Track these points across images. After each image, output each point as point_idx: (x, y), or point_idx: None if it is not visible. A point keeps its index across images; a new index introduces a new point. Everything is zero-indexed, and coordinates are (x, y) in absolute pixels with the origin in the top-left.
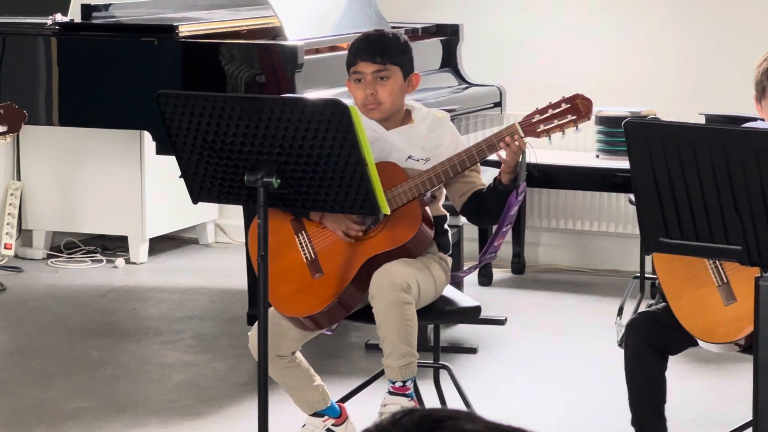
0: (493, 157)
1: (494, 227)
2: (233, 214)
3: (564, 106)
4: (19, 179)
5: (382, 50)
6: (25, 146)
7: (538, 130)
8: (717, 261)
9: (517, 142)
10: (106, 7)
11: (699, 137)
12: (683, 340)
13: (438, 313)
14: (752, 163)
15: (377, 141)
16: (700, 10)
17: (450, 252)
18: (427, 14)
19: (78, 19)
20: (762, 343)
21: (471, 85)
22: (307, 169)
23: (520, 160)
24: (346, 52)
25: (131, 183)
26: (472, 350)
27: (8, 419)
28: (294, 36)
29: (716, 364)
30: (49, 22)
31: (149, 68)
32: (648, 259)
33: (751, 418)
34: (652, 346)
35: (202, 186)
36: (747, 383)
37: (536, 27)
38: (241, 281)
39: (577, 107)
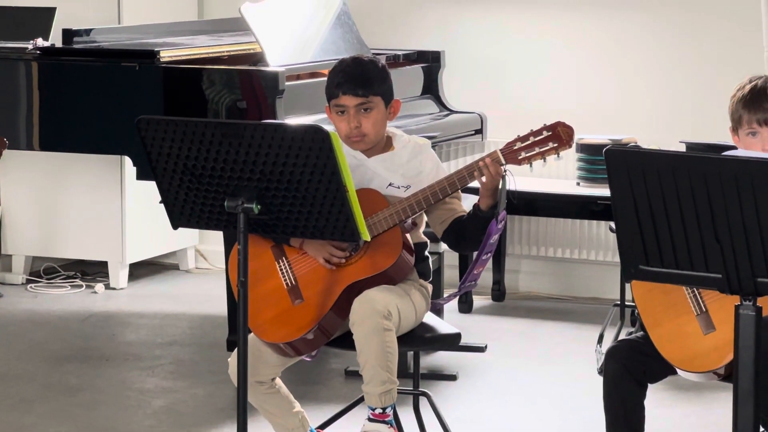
0: (474, 183)
1: (474, 255)
2: (213, 240)
3: (545, 133)
4: None
5: (363, 82)
6: (4, 170)
7: (520, 158)
8: (695, 290)
9: (494, 167)
10: (88, 32)
11: (679, 165)
12: (663, 369)
13: (418, 339)
14: (732, 190)
15: (358, 168)
16: (682, 39)
17: (430, 279)
18: (409, 41)
19: (59, 44)
20: (742, 371)
21: (452, 112)
22: (287, 195)
23: (500, 187)
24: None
25: (111, 208)
26: (452, 377)
27: None
28: (275, 62)
29: (696, 392)
30: (30, 46)
31: (130, 93)
32: (628, 286)
33: None
34: (631, 374)
35: (183, 211)
36: (726, 411)
37: (518, 55)
38: (221, 307)
39: (558, 135)
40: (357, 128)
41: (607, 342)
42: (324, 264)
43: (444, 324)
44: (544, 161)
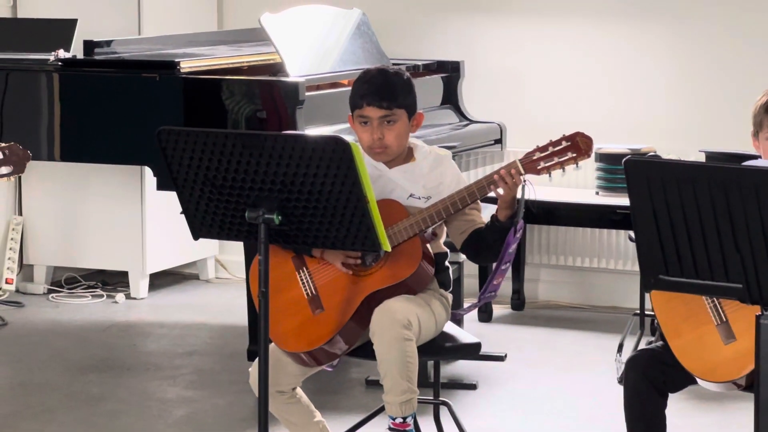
0: (493, 194)
1: (493, 265)
2: (234, 250)
3: (564, 143)
4: (20, 214)
5: (388, 94)
6: (26, 181)
7: (539, 168)
8: (716, 299)
9: (513, 178)
10: (108, 43)
11: (699, 175)
12: (683, 378)
13: (438, 349)
14: (752, 200)
15: (379, 179)
16: (702, 48)
17: (450, 289)
18: (428, 51)
19: (80, 55)
20: (763, 381)
21: (472, 122)
22: (308, 206)
23: (519, 196)
24: (347, 88)
25: (132, 218)
26: (472, 386)
27: None
28: (295, 72)
29: (717, 402)
30: (52, 58)
31: (151, 104)
32: (648, 295)
33: None
34: (651, 384)
35: (203, 222)
36: (747, 421)
37: (537, 64)
38: (241, 317)
39: (577, 145)
40: (380, 140)
41: (627, 351)
42: (341, 268)
43: (464, 333)
44: (563, 171)
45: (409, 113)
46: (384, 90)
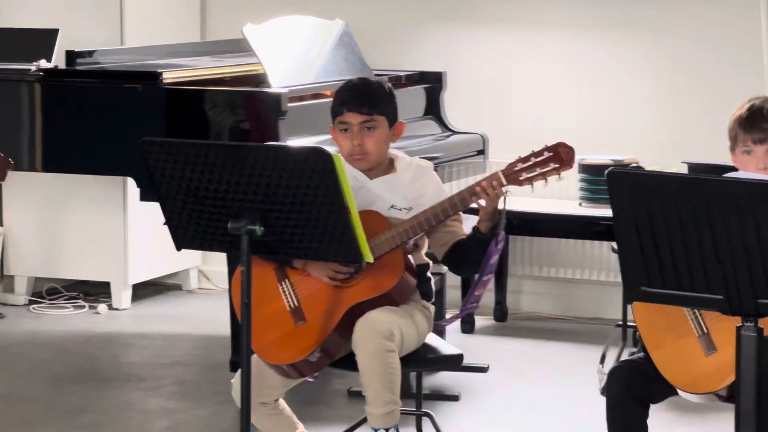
0: (475, 205)
1: (476, 276)
2: (217, 261)
3: (546, 154)
4: (1, 224)
5: (369, 101)
6: (7, 191)
7: (521, 179)
8: (697, 311)
9: (495, 189)
10: (91, 53)
11: (681, 186)
12: (665, 389)
13: (421, 360)
14: (733, 212)
15: (360, 190)
16: (684, 60)
17: (433, 300)
18: (411, 62)
19: (62, 66)
20: (744, 392)
21: (454, 132)
22: (290, 217)
23: (500, 208)
24: (329, 99)
25: (114, 229)
26: (455, 398)
27: None
28: (278, 83)
29: (698, 413)
30: (33, 68)
31: (133, 115)
32: (630, 307)
33: None
34: (634, 395)
35: (186, 233)
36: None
37: (519, 75)
38: (224, 328)
39: (559, 155)
40: (359, 146)
41: (609, 362)
42: (328, 282)
43: (446, 345)
44: (546, 182)
45: (390, 121)
46: (364, 96)
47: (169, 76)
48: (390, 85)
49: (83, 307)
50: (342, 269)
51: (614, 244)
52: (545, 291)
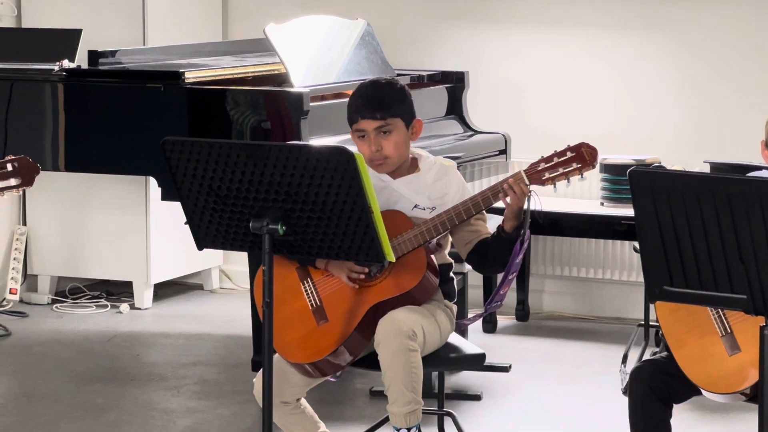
0: (499, 204)
1: (500, 275)
2: (238, 260)
3: (569, 154)
4: (24, 224)
5: (381, 105)
6: (30, 191)
7: (543, 178)
8: (720, 311)
9: (519, 187)
10: (113, 53)
11: (703, 186)
12: (688, 389)
13: (443, 360)
14: (757, 211)
15: (384, 190)
16: (706, 57)
17: (455, 299)
18: (433, 61)
19: (85, 66)
20: (767, 392)
21: (476, 132)
22: (312, 216)
23: (525, 207)
24: None
25: (136, 229)
26: (477, 397)
27: None
28: (299, 83)
29: (721, 412)
30: (56, 68)
31: (155, 114)
32: (652, 306)
33: None
34: (656, 395)
35: (208, 232)
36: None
37: (542, 75)
38: (245, 327)
39: (582, 155)
40: (378, 151)
41: (632, 362)
42: (347, 282)
43: (468, 344)
44: (568, 182)
45: (406, 121)
46: (376, 101)
47: (191, 76)
48: (402, 83)
49: (105, 306)
50: (357, 268)
51: (636, 244)
52: (567, 291)
